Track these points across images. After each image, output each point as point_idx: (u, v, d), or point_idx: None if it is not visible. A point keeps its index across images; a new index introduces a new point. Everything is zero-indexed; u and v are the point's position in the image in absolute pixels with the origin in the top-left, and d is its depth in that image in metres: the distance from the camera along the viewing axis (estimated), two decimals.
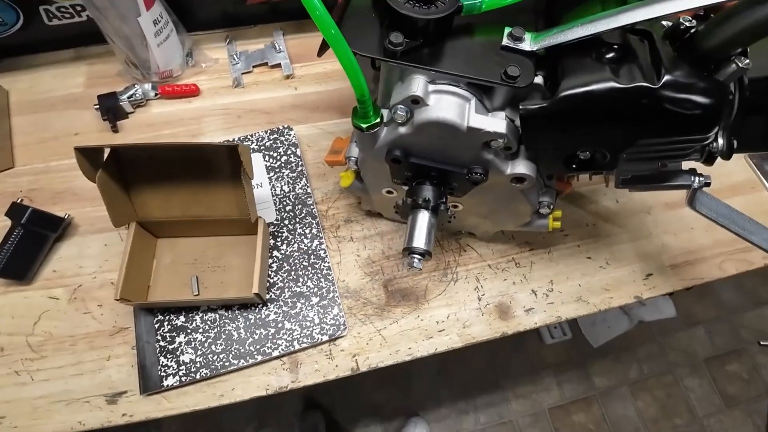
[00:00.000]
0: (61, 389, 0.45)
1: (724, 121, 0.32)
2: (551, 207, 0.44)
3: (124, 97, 0.59)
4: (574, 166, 0.37)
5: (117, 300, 0.42)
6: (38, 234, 0.49)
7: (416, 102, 0.34)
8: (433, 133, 0.35)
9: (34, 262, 0.49)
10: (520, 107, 0.33)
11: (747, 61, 0.29)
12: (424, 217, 0.40)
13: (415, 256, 0.39)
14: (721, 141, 0.34)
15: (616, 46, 0.31)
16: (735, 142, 0.34)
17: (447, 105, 0.34)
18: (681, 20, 0.31)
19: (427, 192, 0.40)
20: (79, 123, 0.60)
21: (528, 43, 0.33)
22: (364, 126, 0.36)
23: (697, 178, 0.39)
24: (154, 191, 0.46)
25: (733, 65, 0.29)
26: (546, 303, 0.52)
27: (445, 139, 0.36)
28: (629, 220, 0.57)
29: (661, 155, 0.36)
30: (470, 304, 0.51)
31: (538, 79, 0.33)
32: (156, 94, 0.61)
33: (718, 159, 0.36)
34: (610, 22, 0.30)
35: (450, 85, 0.34)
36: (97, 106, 0.58)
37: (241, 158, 0.39)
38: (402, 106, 0.35)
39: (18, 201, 0.49)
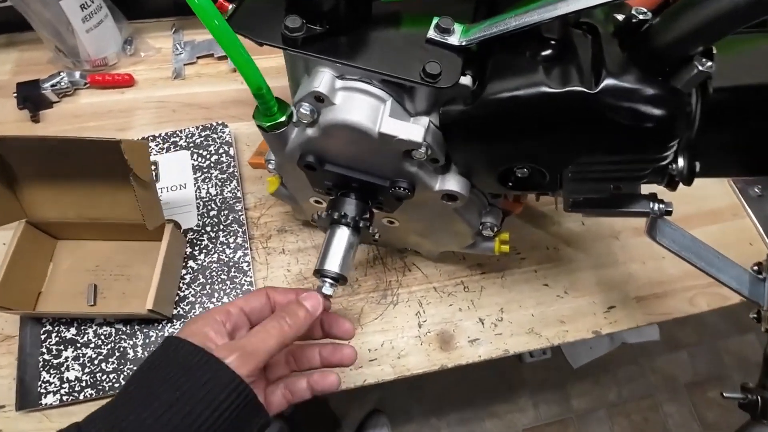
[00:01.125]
0: None
1: (681, 137, 0.27)
2: (495, 229, 0.39)
3: (47, 85, 0.54)
4: (510, 184, 0.32)
5: None
6: None
7: (320, 100, 0.29)
8: (343, 138, 0.30)
9: None
10: (440, 111, 0.28)
11: (710, 63, 0.23)
12: (342, 236, 0.35)
13: (326, 279, 0.34)
14: (681, 162, 0.29)
15: (553, 42, 0.26)
16: (697, 165, 0.29)
17: (356, 105, 0.29)
18: (634, 12, 0.26)
19: (349, 206, 0.35)
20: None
21: (457, 37, 0.28)
22: (266, 125, 0.31)
23: (656, 205, 0.33)
24: (45, 189, 0.40)
25: (693, 68, 0.24)
26: (494, 334, 0.46)
27: (359, 146, 0.30)
28: (594, 245, 0.52)
29: (612, 176, 0.30)
30: (409, 331, 0.46)
31: (466, 80, 0.28)
32: (85, 83, 0.56)
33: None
34: (546, 12, 0.25)
35: (362, 82, 0.29)
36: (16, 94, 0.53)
37: (126, 156, 0.33)
38: (306, 104, 0.29)
39: None
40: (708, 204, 0.55)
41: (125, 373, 0.40)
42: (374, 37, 0.29)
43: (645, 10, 0.26)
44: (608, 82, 0.24)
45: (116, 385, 0.40)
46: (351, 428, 1.16)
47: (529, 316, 0.47)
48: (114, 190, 0.41)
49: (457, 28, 0.29)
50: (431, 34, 0.28)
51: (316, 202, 0.41)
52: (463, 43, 0.28)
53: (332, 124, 0.29)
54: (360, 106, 0.29)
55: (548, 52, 0.26)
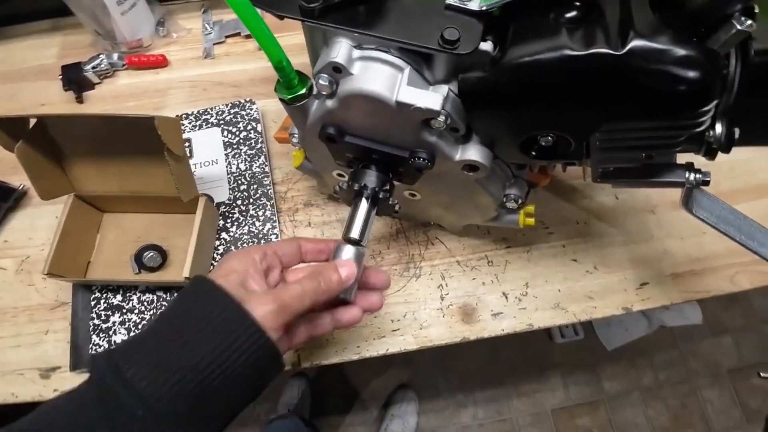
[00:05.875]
0: None
1: (717, 101, 0.25)
2: (520, 201, 0.38)
3: (89, 67, 0.57)
4: (533, 153, 0.31)
5: (44, 275, 0.41)
6: None
7: (338, 70, 0.29)
8: (361, 108, 0.30)
9: None
10: (459, 79, 0.28)
11: (750, 22, 0.22)
12: (363, 206, 0.35)
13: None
14: (719, 128, 0.27)
15: (578, 4, 0.25)
16: (737, 131, 0.27)
17: (373, 75, 0.29)
18: None
19: (370, 178, 0.35)
20: (47, 94, 0.59)
21: (477, 2, 0.27)
22: (287, 97, 0.32)
23: (692, 175, 0.32)
24: (90, 164, 0.43)
25: (732, 27, 0.22)
26: (517, 308, 0.46)
27: (378, 116, 0.30)
28: (628, 220, 0.50)
29: (643, 144, 0.29)
30: (431, 303, 0.47)
31: (487, 46, 0.27)
32: (123, 65, 0.59)
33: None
34: None
35: (379, 50, 0.29)
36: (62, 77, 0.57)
37: (159, 132, 0.35)
38: (324, 75, 0.30)
39: None
40: (756, 179, 0.52)
41: None
42: (392, 5, 0.28)
43: None
44: (636, 43, 0.23)
45: None
46: (378, 402, 1.20)
47: (556, 292, 0.47)
48: (151, 165, 0.43)
49: None
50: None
51: (339, 175, 0.42)
52: (484, 8, 0.27)
53: (350, 94, 0.29)
54: (377, 75, 0.29)
55: (573, 13, 0.25)
